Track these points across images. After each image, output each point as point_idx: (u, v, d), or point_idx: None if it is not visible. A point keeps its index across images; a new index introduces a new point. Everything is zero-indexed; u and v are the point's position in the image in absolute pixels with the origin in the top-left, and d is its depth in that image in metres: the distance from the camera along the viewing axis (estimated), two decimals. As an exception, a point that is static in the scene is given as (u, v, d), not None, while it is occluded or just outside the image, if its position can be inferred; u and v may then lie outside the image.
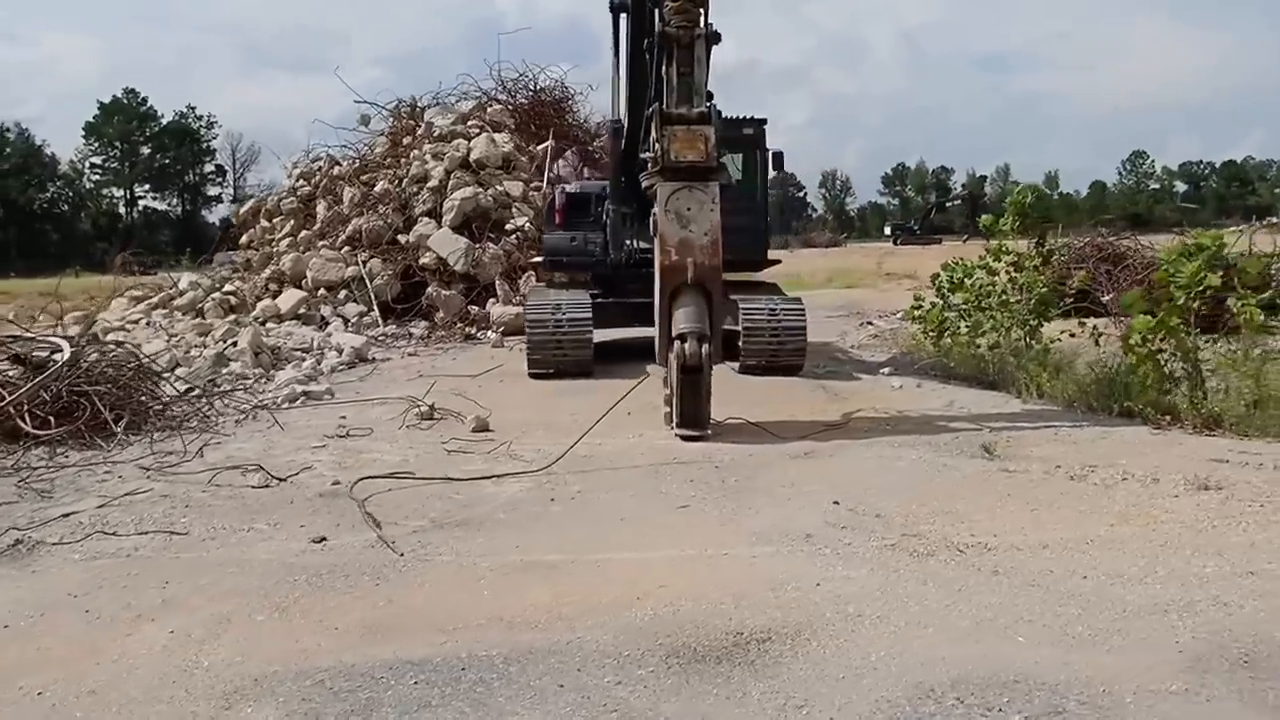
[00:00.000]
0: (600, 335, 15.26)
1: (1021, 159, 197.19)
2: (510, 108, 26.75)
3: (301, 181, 23.61)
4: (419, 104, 25.08)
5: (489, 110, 24.24)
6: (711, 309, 8.47)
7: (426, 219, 20.47)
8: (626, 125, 13.34)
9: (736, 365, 12.52)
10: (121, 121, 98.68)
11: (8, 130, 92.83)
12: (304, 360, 13.79)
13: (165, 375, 11.89)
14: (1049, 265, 14.99)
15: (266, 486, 7.17)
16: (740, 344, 12.37)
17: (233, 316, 16.89)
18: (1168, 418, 8.92)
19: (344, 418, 9.92)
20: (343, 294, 19.42)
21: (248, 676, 3.97)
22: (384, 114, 25.10)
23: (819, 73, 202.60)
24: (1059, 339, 11.95)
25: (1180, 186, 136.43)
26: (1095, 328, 12.08)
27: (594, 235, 13.53)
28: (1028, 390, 10.55)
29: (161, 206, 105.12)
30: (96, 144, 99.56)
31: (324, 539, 5.84)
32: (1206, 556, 5.11)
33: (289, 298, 18.48)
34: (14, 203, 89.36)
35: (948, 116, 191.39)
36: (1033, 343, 11.94)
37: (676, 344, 8.27)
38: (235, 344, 13.41)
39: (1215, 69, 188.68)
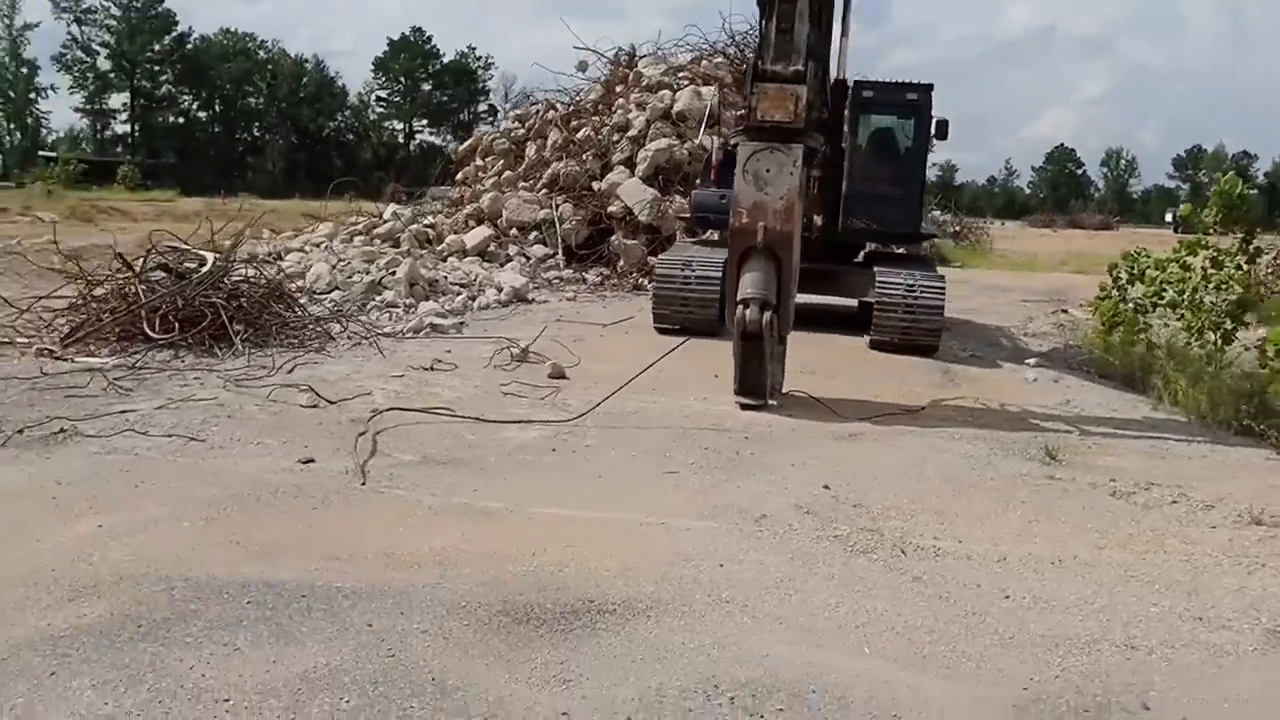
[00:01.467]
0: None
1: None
2: (736, 61, 26.62)
3: (516, 124, 24.35)
4: (638, 53, 25.26)
5: (703, 64, 24.11)
6: (781, 275, 8.15)
7: (621, 167, 20.69)
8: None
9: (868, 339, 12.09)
10: (407, 59, 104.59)
11: (306, 61, 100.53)
12: (458, 295, 14.29)
13: (317, 295, 12.73)
14: (1254, 264, 13.58)
15: (315, 406, 7.55)
16: (873, 318, 11.90)
17: (405, 248, 17.60)
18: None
19: (449, 351, 10.28)
20: (533, 235, 19.97)
21: (120, 574, 4.25)
22: (604, 61, 25.42)
23: (1122, 42, 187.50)
24: (1252, 348, 10.73)
25: None
26: None
27: (744, 194, 13.25)
28: (1161, 398, 9.63)
29: (437, 141, 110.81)
30: (383, 78, 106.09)
31: (311, 460, 6.11)
32: (1172, 595, 4.56)
33: (476, 234, 19.16)
34: (305, 129, 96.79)
35: (1270, 96, 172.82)
36: (1225, 348, 10.75)
37: (739, 309, 8.04)
38: (394, 273, 14.05)
39: None
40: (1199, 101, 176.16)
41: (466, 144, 26.11)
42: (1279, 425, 8.12)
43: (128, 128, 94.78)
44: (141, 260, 10.98)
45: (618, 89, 23.95)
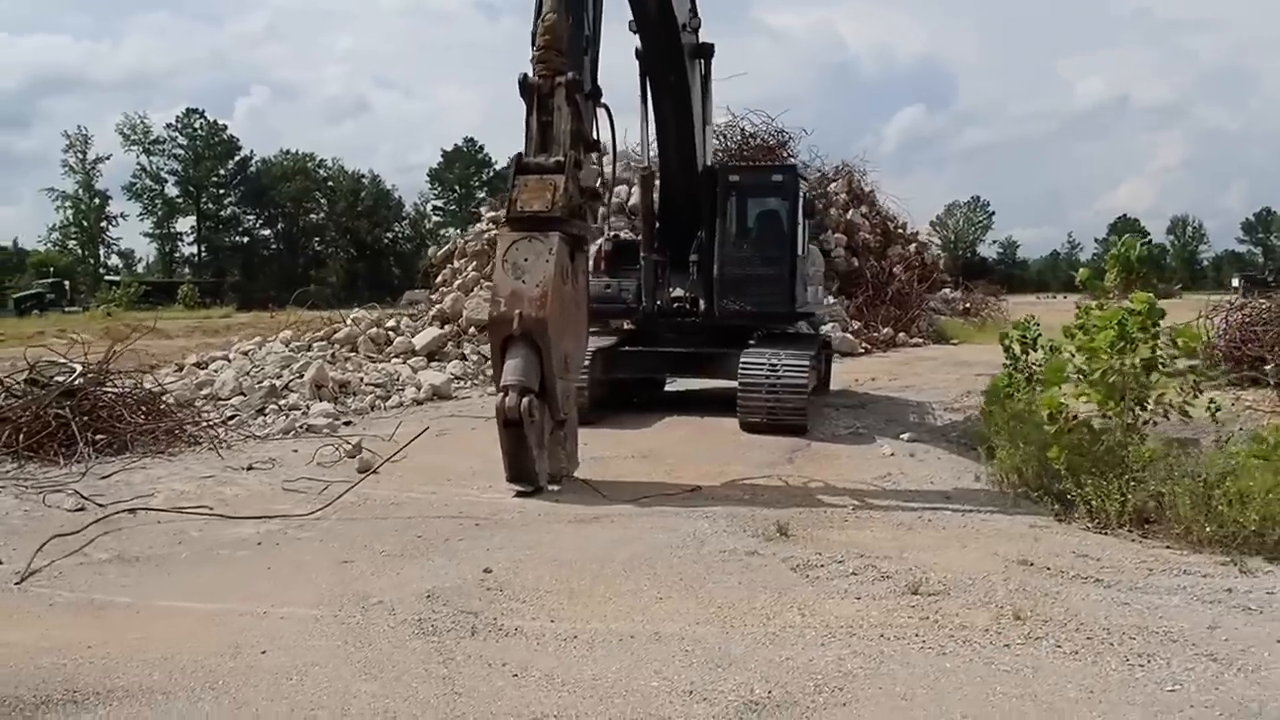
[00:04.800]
0: (675, 385, 15.22)
1: None
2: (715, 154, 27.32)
3: (490, 225, 24.92)
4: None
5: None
6: (544, 361, 8.20)
7: (579, 262, 21.01)
8: (658, 173, 13.26)
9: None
10: (460, 168, 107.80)
11: (363, 177, 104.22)
12: (369, 395, 14.55)
13: (220, 402, 13.11)
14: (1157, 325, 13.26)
15: (81, 510, 7.76)
16: (738, 399, 11.84)
17: (319, 350, 17.89)
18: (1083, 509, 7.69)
19: (295, 451, 10.47)
20: (491, 333, 20.28)
21: None
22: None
23: (1197, 109, 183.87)
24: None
25: None
26: (1212, 401, 10.46)
27: (629, 283, 13.37)
28: (986, 465, 9.42)
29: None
30: (438, 188, 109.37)
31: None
32: (702, 670, 4.48)
33: (426, 335, 19.51)
34: (363, 240, 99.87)
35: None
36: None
37: (499, 396, 8.11)
38: (301, 376, 14.38)
39: None
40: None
41: (444, 249, 26.77)
42: (1057, 491, 7.90)
43: (194, 249, 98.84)
44: (26, 373, 11.46)
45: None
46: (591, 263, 15.47)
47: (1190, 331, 8.34)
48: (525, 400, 7.99)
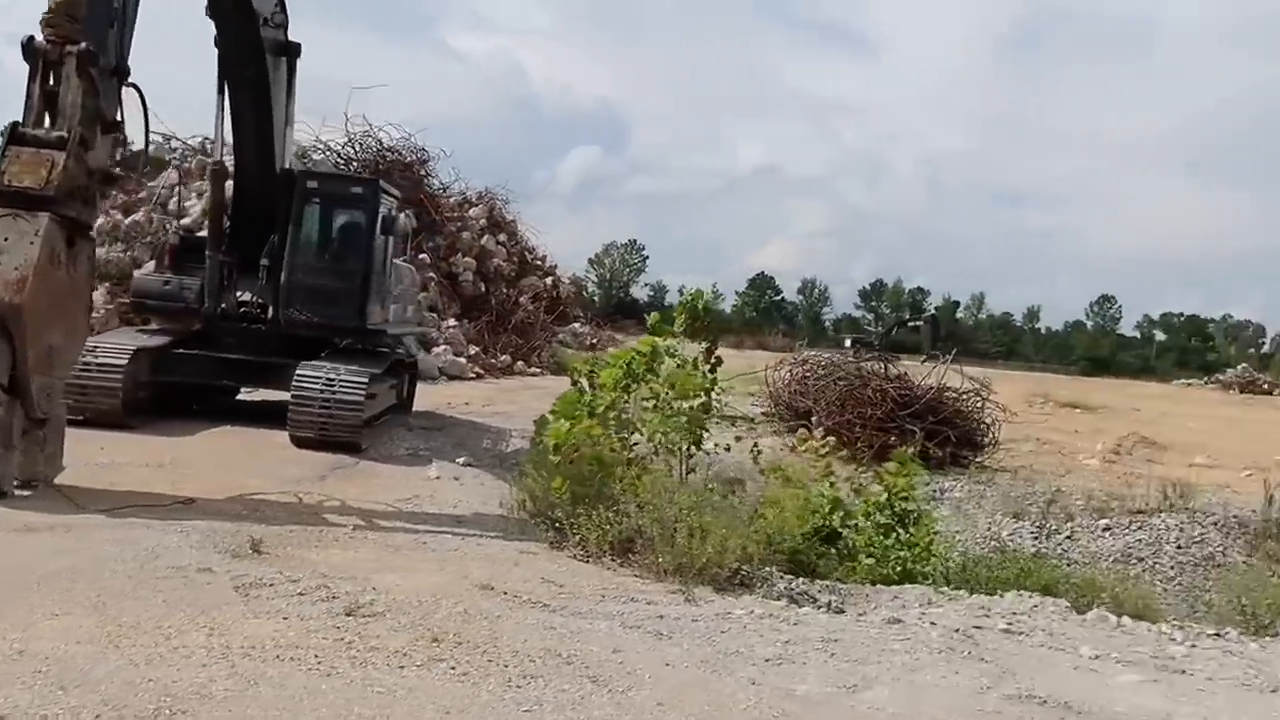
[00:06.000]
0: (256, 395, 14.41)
1: (1019, 292, 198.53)
2: (348, 162, 27.11)
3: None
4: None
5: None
6: (18, 352, 7.41)
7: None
8: (232, 169, 12.63)
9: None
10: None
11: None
12: None
13: None
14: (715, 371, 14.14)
15: None
16: (288, 413, 11.36)
17: None
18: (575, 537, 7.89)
19: None
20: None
21: None
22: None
23: (839, 185, 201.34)
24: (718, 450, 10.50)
25: (1160, 335, 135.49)
26: (755, 444, 11.01)
27: (191, 281, 12.54)
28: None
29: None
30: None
31: None
32: (36, 689, 4.08)
33: None
34: None
35: (958, 242, 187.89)
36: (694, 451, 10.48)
37: (-44, 391, 7.25)
38: None
39: (1231, 229, 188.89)
40: (905, 242, 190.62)
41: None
42: (554, 519, 8.09)
43: None
44: None
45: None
46: (156, 255, 14.58)
47: (688, 378, 8.81)
48: (-7, 397, 7.19)
